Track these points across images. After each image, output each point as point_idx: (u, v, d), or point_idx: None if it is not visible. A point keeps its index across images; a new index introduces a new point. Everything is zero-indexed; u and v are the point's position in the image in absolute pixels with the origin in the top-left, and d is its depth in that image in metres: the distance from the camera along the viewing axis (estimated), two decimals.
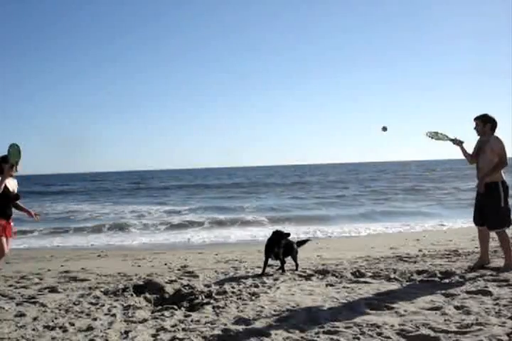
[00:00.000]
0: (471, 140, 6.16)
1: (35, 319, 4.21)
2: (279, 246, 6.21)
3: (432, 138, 6.26)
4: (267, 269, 6.47)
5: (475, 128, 6.02)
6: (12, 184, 5.67)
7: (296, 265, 6.38)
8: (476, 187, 6.06)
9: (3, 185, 5.42)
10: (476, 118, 5.99)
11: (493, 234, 6.04)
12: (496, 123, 5.93)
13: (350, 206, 21.85)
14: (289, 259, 6.47)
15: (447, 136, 6.23)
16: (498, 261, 6.14)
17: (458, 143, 6.19)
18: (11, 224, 5.64)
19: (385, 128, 6.35)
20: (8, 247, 5.60)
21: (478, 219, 6.03)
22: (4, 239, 5.52)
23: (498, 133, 5.94)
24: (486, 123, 5.93)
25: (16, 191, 5.72)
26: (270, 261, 6.33)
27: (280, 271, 6.27)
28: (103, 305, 4.61)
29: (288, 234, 6.29)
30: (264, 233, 12.63)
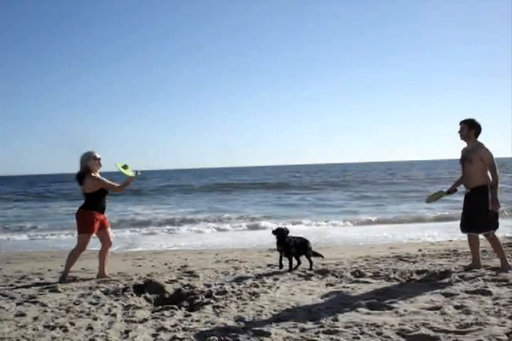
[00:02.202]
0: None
1: (35, 319, 4.21)
2: (284, 244, 6.30)
3: (436, 198, 6.30)
4: (268, 269, 6.49)
5: (459, 132, 6.04)
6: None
7: (310, 262, 6.40)
8: (465, 193, 6.12)
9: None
10: (462, 122, 5.99)
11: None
12: (480, 129, 5.96)
13: (350, 206, 21.85)
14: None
15: (442, 192, 6.26)
16: (498, 261, 6.15)
17: (453, 190, 6.21)
18: (106, 215, 6.32)
19: None
20: (111, 236, 6.40)
21: (464, 226, 6.08)
22: (91, 236, 6.14)
23: (490, 137, 6.05)
24: (471, 129, 5.94)
25: None
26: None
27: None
28: (103, 305, 4.61)
29: (287, 230, 6.45)
30: (261, 234, 12.64)
